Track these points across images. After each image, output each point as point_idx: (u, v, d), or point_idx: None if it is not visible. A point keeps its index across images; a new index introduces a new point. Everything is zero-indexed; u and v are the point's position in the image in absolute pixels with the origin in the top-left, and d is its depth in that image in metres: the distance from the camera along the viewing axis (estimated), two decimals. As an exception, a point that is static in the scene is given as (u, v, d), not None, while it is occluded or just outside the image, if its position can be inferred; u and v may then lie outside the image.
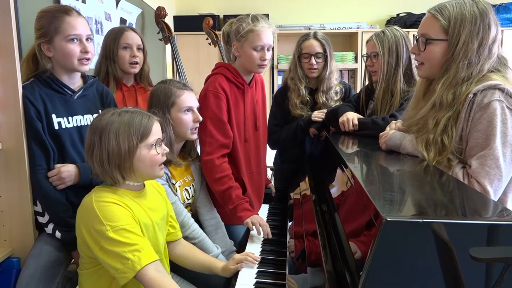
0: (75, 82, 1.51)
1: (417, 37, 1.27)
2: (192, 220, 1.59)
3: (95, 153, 1.17)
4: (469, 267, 0.71)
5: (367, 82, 1.98)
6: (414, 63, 1.36)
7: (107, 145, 1.15)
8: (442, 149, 1.16)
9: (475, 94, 1.13)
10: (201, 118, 1.60)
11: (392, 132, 1.37)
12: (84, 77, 1.56)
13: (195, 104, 1.60)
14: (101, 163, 1.16)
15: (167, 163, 1.56)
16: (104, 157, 1.15)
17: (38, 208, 1.43)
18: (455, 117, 1.16)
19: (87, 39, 1.44)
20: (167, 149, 1.25)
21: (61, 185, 1.41)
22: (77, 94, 1.50)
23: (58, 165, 1.41)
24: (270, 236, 1.54)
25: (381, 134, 1.43)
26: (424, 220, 0.70)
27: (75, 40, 1.41)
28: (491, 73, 1.18)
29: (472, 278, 0.72)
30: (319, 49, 2.04)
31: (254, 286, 1.26)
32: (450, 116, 1.16)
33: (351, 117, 1.74)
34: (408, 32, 2.41)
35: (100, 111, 1.55)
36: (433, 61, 1.23)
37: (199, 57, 3.79)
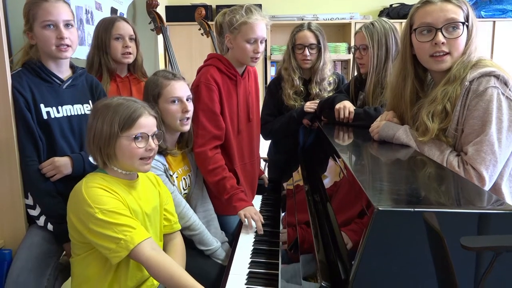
0: (63, 71, 1.49)
1: (439, 27, 1.19)
2: (192, 211, 1.59)
3: (87, 130, 1.23)
4: (460, 256, 0.72)
5: (356, 73, 1.98)
6: (425, 58, 1.23)
7: (95, 126, 1.20)
8: (445, 116, 1.18)
9: (470, 82, 1.14)
10: (189, 109, 1.57)
11: (384, 122, 1.37)
12: (73, 67, 1.54)
13: (184, 94, 1.57)
14: (88, 142, 1.22)
15: (163, 152, 1.55)
16: (91, 136, 1.21)
17: (29, 201, 1.42)
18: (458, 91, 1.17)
19: (66, 25, 1.41)
20: (153, 146, 1.23)
21: (57, 175, 1.40)
22: (66, 84, 1.48)
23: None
24: (262, 232, 1.54)
25: (372, 124, 1.43)
26: (416, 210, 0.70)
27: (51, 27, 1.38)
28: (485, 60, 1.20)
29: (463, 266, 0.73)
30: (313, 40, 2.03)
31: (247, 276, 1.27)
32: (456, 87, 1.17)
33: (348, 106, 1.74)
34: (401, 23, 2.41)
35: (90, 101, 1.54)
36: (461, 46, 1.20)
37: (191, 48, 3.76)
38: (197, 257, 1.55)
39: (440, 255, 0.72)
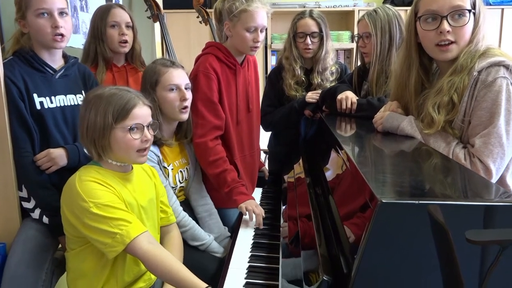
0: (56, 61, 1.48)
1: (444, 15, 1.17)
2: (181, 208, 1.59)
3: (80, 122, 1.22)
4: (465, 250, 0.72)
5: (359, 63, 1.97)
6: (430, 47, 1.22)
7: (87, 117, 1.19)
8: (452, 107, 1.17)
9: (479, 72, 1.13)
10: (187, 97, 1.57)
11: (387, 113, 1.37)
12: (65, 57, 1.53)
13: (182, 82, 1.56)
14: (82, 134, 1.22)
15: (157, 143, 1.55)
16: (84, 128, 1.20)
17: (23, 194, 1.42)
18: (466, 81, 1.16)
19: (61, 13, 1.40)
20: (149, 137, 1.23)
21: (53, 167, 1.40)
22: (59, 74, 1.47)
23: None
24: (261, 227, 1.55)
25: (376, 115, 1.43)
26: (420, 202, 0.70)
27: (45, 15, 1.37)
28: (493, 49, 1.19)
29: (468, 260, 0.73)
30: (314, 28, 2.01)
31: (247, 270, 1.27)
32: (463, 77, 1.16)
33: (351, 96, 1.73)
34: (406, 10, 2.39)
35: (82, 91, 1.54)
36: (467, 35, 1.19)
37: (189, 36, 3.74)
38: (194, 251, 1.55)
39: (445, 249, 0.72)
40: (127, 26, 1.83)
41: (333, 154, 1.28)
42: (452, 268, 0.73)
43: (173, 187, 1.62)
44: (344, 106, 1.73)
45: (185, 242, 1.51)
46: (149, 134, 1.23)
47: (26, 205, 1.43)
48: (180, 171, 1.66)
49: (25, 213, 1.46)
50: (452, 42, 1.19)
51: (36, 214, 1.42)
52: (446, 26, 1.17)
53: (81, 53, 1.84)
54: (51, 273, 1.41)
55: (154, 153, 1.53)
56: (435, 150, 1.14)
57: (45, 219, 1.42)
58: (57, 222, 1.34)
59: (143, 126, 1.22)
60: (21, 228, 1.43)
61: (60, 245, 1.47)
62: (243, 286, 1.19)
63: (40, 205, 1.42)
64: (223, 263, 1.39)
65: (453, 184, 0.91)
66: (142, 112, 1.22)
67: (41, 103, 1.41)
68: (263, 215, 1.58)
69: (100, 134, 1.17)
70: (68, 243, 1.27)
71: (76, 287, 1.27)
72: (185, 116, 1.59)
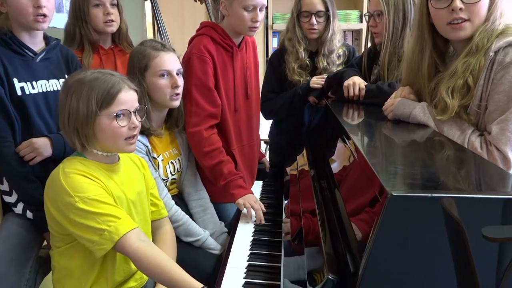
0: (36, 43, 1.48)
1: None
2: (173, 201, 1.59)
3: (60, 111, 1.21)
4: (481, 246, 0.72)
5: (369, 45, 1.96)
6: (442, 26, 1.22)
7: (69, 105, 1.17)
8: (467, 91, 1.17)
9: (495, 52, 1.13)
10: (179, 83, 1.56)
11: (399, 99, 1.37)
12: (46, 38, 1.52)
13: (174, 67, 1.56)
14: (63, 123, 1.20)
15: (145, 132, 1.55)
16: (65, 117, 1.18)
17: (5, 187, 1.43)
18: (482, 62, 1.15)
19: None
20: (137, 123, 1.23)
21: (36, 158, 1.40)
22: (40, 57, 1.47)
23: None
24: (263, 222, 1.56)
25: (386, 102, 1.43)
26: (433, 195, 0.70)
27: None
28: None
29: (484, 258, 0.73)
30: (320, 7, 2.00)
31: (246, 269, 1.28)
32: (479, 58, 1.15)
33: (358, 82, 1.72)
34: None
35: (66, 76, 1.53)
36: (482, 12, 1.18)
37: (183, 16, 3.71)
38: (189, 248, 1.56)
39: (459, 246, 0.72)
40: (112, 5, 1.82)
41: (339, 145, 1.28)
42: (466, 266, 0.73)
43: (164, 180, 1.62)
44: (351, 93, 1.72)
45: (178, 239, 1.52)
46: (136, 121, 1.23)
47: (8, 199, 1.43)
48: (171, 162, 1.66)
49: (7, 208, 1.46)
50: (465, 20, 1.18)
51: (19, 208, 1.43)
52: (458, 3, 1.16)
53: (63, 35, 1.83)
54: (35, 272, 1.42)
55: (142, 143, 1.53)
56: (449, 139, 1.14)
57: (29, 214, 1.42)
58: (41, 217, 1.34)
59: (130, 112, 1.21)
60: (2, 224, 1.44)
61: (45, 242, 1.48)
62: (242, 286, 1.20)
63: (23, 199, 1.42)
64: (220, 261, 1.40)
65: (468, 176, 0.91)
66: (128, 97, 1.21)
67: (22, 88, 1.40)
68: (264, 209, 1.59)
69: (83, 122, 1.17)
70: (53, 240, 1.27)
71: (63, 287, 1.28)
72: (176, 103, 1.59)
